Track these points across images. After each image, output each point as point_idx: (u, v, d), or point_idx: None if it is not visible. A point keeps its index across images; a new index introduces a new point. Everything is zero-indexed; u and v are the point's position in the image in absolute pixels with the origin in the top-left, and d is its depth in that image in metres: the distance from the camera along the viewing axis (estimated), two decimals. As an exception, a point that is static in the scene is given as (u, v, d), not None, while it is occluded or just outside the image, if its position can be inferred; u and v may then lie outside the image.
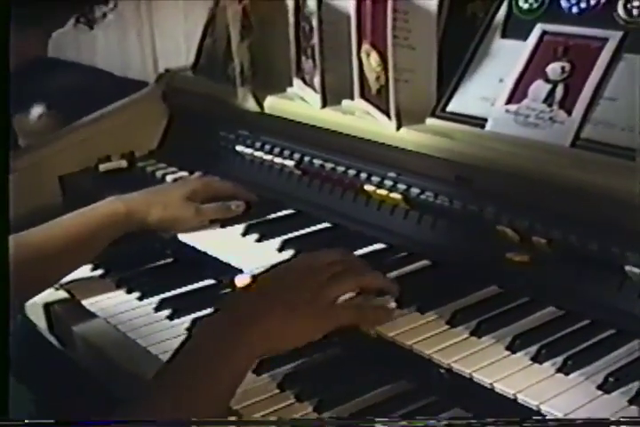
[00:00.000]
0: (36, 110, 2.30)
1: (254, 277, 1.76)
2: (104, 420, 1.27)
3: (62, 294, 1.98)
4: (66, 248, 1.86)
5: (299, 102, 2.11)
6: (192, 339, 1.46)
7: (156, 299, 1.89)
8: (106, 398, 1.76)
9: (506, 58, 1.79)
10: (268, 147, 2.13)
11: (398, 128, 1.83)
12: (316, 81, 2.02)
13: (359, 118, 1.94)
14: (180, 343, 1.45)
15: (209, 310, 1.82)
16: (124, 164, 2.39)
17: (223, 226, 1.97)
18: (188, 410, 1.33)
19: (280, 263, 1.61)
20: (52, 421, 1.23)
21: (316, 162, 2.00)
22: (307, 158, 2.03)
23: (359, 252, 1.79)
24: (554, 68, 1.69)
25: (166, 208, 1.95)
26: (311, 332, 1.48)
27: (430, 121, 1.85)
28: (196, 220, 1.97)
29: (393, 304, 1.57)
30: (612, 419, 1.25)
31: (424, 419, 1.37)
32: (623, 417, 1.25)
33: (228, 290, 1.89)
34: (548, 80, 1.69)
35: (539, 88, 1.70)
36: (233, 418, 1.45)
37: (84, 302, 1.92)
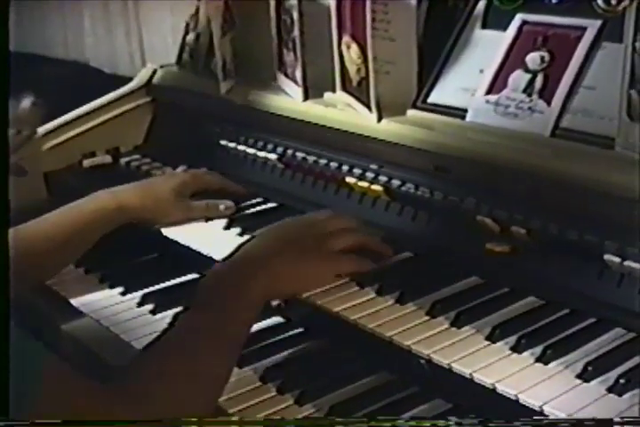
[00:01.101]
0: (27, 100, 2.29)
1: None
2: (104, 420, 1.27)
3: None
4: (56, 244, 1.85)
5: (281, 96, 2.11)
6: (202, 284, 1.52)
7: (139, 294, 1.89)
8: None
9: (486, 48, 1.79)
10: (251, 140, 2.14)
11: (379, 120, 1.83)
12: (298, 74, 2.02)
13: (341, 111, 1.95)
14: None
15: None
16: (108, 159, 2.39)
17: (207, 220, 1.96)
18: (196, 362, 1.38)
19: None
20: (54, 421, 1.23)
21: (299, 155, 2.00)
22: (289, 151, 2.03)
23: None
24: (533, 58, 1.69)
25: (157, 203, 1.95)
26: (318, 275, 1.58)
27: (411, 112, 1.85)
28: (186, 216, 1.97)
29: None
30: (617, 420, 1.24)
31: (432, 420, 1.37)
32: (623, 417, 1.24)
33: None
34: (527, 70, 1.69)
35: (518, 78, 1.70)
36: (235, 418, 1.45)
37: (69, 299, 1.92)
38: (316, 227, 1.63)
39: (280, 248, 1.57)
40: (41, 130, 2.39)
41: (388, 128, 1.83)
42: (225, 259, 1.59)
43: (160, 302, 1.84)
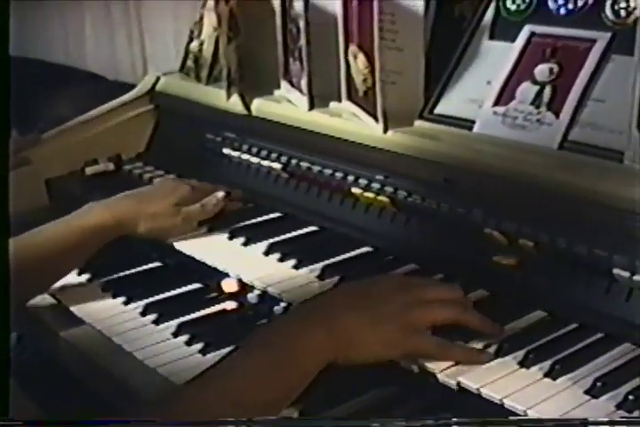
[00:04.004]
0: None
1: (241, 282, 1.75)
2: (104, 420, 1.26)
3: (49, 300, 1.95)
4: (51, 258, 1.84)
5: (286, 105, 2.10)
6: (262, 334, 1.39)
7: (141, 303, 1.88)
8: (92, 404, 1.74)
9: (493, 59, 1.78)
10: (254, 149, 2.12)
11: (385, 130, 1.82)
12: (304, 83, 2.01)
13: (346, 121, 1.93)
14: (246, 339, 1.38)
15: (196, 315, 1.82)
16: (110, 167, 2.37)
17: (210, 230, 1.95)
18: (244, 410, 1.26)
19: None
20: (53, 421, 1.22)
21: (303, 165, 1.99)
22: (294, 161, 2.02)
23: (346, 255, 1.78)
24: (542, 70, 1.68)
25: (155, 219, 1.92)
26: (390, 348, 1.39)
27: (418, 123, 1.84)
28: (184, 227, 1.94)
29: (490, 349, 1.42)
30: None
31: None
32: (623, 417, 1.24)
33: (214, 294, 1.88)
34: (535, 82, 1.68)
35: (526, 90, 1.69)
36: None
37: (71, 307, 1.90)
38: (406, 293, 1.43)
39: (358, 310, 1.38)
40: (44, 136, 2.38)
41: (395, 139, 1.81)
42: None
43: (163, 311, 1.82)
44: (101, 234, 1.88)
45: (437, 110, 1.82)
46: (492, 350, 1.41)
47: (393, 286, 1.46)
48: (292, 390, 1.35)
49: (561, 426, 1.23)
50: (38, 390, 1.86)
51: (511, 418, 1.28)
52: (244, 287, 1.81)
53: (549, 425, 1.24)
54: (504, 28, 1.80)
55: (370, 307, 1.40)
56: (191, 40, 2.44)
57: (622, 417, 1.25)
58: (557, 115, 1.63)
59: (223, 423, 1.30)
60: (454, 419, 1.26)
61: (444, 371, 1.38)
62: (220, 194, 1.98)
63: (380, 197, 1.80)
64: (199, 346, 1.70)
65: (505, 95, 1.72)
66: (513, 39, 1.75)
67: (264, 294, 1.74)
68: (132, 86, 2.58)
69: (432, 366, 1.39)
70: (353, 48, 1.84)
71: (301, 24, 1.96)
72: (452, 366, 1.39)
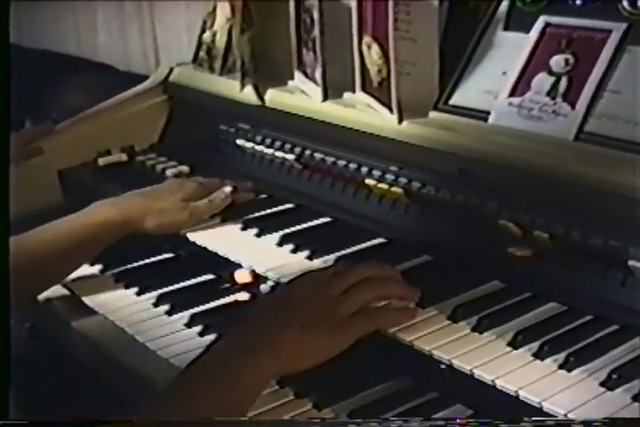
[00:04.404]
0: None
1: (254, 273, 1.75)
2: (104, 420, 1.26)
3: (61, 290, 1.96)
4: (59, 255, 1.83)
5: (300, 95, 2.10)
6: (202, 363, 1.39)
7: (154, 294, 1.88)
8: (105, 395, 1.74)
9: (508, 50, 1.78)
10: (268, 140, 2.12)
11: (400, 121, 1.82)
12: (317, 74, 2.00)
13: (360, 111, 1.93)
14: (188, 365, 1.40)
15: (208, 306, 1.82)
16: (124, 157, 2.37)
17: (223, 221, 1.95)
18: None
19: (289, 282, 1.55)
20: (53, 421, 1.22)
21: (317, 156, 1.98)
22: (307, 152, 2.01)
23: (360, 246, 1.78)
24: (557, 61, 1.67)
25: (162, 215, 1.90)
26: (330, 348, 1.41)
27: (433, 114, 1.83)
28: (192, 222, 1.93)
29: (411, 305, 1.52)
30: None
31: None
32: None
33: (226, 285, 1.88)
34: (551, 73, 1.68)
35: (542, 81, 1.68)
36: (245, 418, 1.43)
37: (83, 298, 1.91)
38: (324, 289, 1.45)
39: (286, 322, 1.41)
40: (57, 127, 2.38)
41: (409, 130, 1.81)
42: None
43: (176, 302, 1.82)
44: (108, 231, 1.87)
45: (452, 101, 1.82)
46: (506, 341, 1.40)
47: (308, 286, 1.47)
48: (242, 406, 1.38)
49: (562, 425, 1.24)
50: (49, 381, 1.87)
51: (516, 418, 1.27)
52: (257, 278, 1.81)
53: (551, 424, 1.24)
54: (519, 19, 1.79)
55: (295, 316, 1.41)
56: (204, 31, 2.43)
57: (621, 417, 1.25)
58: (573, 106, 1.63)
59: (223, 423, 1.31)
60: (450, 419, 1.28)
61: (456, 359, 1.38)
62: (228, 189, 1.98)
63: (394, 189, 1.79)
64: (212, 337, 1.70)
65: (520, 86, 1.71)
66: (528, 30, 1.75)
67: (277, 285, 1.73)
68: (145, 77, 2.58)
69: (444, 355, 1.39)
70: (367, 39, 1.84)
71: (315, 14, 1.96)
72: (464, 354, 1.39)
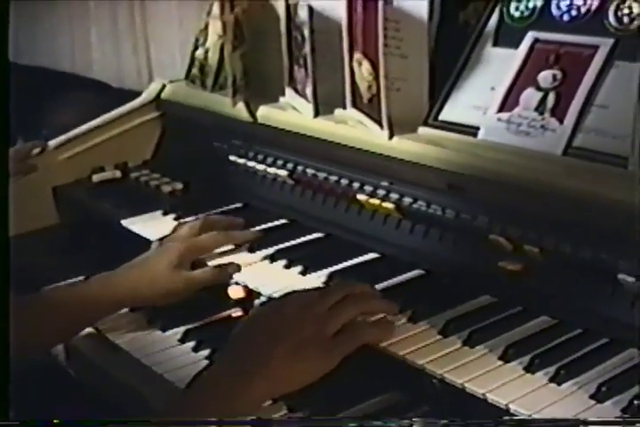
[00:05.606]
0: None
1: (248, 289, 1.75)
2: (103, 420, 1.26)
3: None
4: (61, 321, 1.74)
5: (291, 112, 2.11)
6: (194, 391, 1.40)
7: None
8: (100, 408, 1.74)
9: (497, 66, 1.79)
10: (260, 156, 2.13)
11: (390, 137, 1.83)
12: (309, 90, 2.01)
13: (351, 128, 1.94)
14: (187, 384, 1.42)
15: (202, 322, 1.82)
16: (117, 174, 2.39)
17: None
18: None
19: (268, 303, 1.57)
20: (52, 421, 1.22)
21: (309, 171, 2.00)
22: (299, 168, 2.02)
23: (352, 261, 1.79)
24: (545, 76, 1.69)
25: (154, 284, 1.78)
26: (322, 367, 1.43)
27: (422, 130, 1.84)
28: (190, 290, 1.80)
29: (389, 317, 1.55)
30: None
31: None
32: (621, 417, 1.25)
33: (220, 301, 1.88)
34: (539, 88, 1.69)
35: (530, 96, 1.70)
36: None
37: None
38: (310, 309, 1.46)
39: (276, 345, 1.41)
40: (51, 144, 2.39)
41: (400, 145, 1.82)
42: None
43: (170, 318, 1.82)
44: (104, 307, 1.78)
45: (442, 117, 1.83)
46: (497, 355, 1.42)
47: (294, 307, 1.47)
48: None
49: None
50: (43, 394, 1.86)
51: (506, 418, 1.28)
52: (251, 294, 1.81)
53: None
54: (508, 35, 1.80)
55: (285, 338, 1.42)
56: (196, 48, 2.45)
57: (619, 417, 1.26)
58: (561, 121, 1.64)
59: (222, 423, 1.31)
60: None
61: (448, 373, 1.39)
62: (238, 265, 1.83)
63: (386, 204, 1.80)
64: (206, 352, 1.71)
65: (509, 102, 1.72)
66: (516, 46, 1.76)
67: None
68: (138, 94, 2.59)
69: (436, 369, 1.40)
70: (358, 55, 1.85)
71: (306, 32, 1.97)
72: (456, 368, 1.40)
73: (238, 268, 1.82)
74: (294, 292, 1.56)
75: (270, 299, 1.67)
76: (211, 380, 1.41)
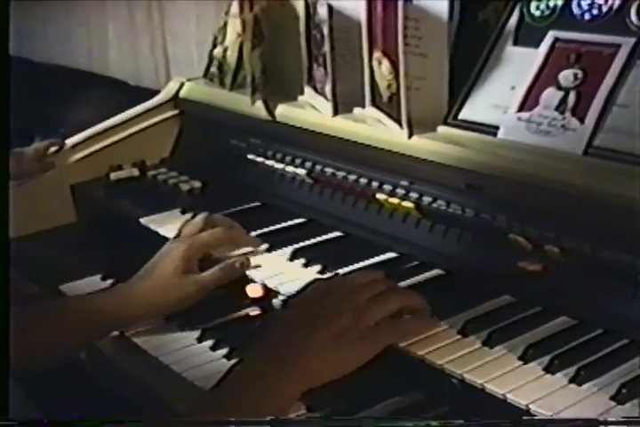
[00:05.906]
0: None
1: (266, 288, 1.75)
2: (103, 420, 1.26)
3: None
4: (76, 331, 1.72)
5: (310, 110, 2.11)
6: (229, 384, 1.39)
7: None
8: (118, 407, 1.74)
9: (517, 65, 1.78)
10: (279, 155, 2.13)
11: (410, 136, 1.83)
12: (328, 89, 2.01)
13: (371, 126, 1.94)
14: (217, 383, 1.42)
15: (220, 320, 1.82)
16: (135, 172, 2.39)
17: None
18: None
19: (310, 286, 1.54)
20: (52, 421, 1.22)
21: (328, 170, 1.99)
22: (318, 167, 2.02)
23: (371, 261, 1.79)
24: (566, 76, 1.68)
25: (166, 296, 1.75)
26: (358, 358, 1.42)
27: (442, 129, 1.84)
28: (202, 292, 1.78)
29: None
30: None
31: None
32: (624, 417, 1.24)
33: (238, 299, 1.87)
34: (560, 87, 1.68)
35: (551, 95, 1.69)
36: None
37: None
38: (349, 300, 1.45)
39: (314, 334, 1.40)
40: (69, 142, 2.40)
41: (419, 144, 1.82)
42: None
43: (188, 317, 1.81)
44: (116, 321, 1.76)
45: (461, 116, 1.83)
46: (516, 355, 1.41)
47: (334, 295, 1.47)
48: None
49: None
50: (62, 392, 1.87)
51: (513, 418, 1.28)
52: (269, 293, 1.81)
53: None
54: (528, 34, 1.80)
55: (322, 327, 1.41)
56: (215, 46, 2.45)
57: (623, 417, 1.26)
58: (582, 120, 1.63)
59: (223, 423, 1.31)
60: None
61: (468, 373, 1.39)
62: (245, 258, 1.83)
63: (405, 203, 1.80)
64: (224, 351, 1.71)
65: (529, 101, 1.72)
66: (537, 45, 1.75)
67: (289, 300, 1.74)
68: (155, 92, 2.60)
69: (456, 369, 1.40)
70: (377, 54, 1.85)
71: (325, 30, 1.97)
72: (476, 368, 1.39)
73: (247, 261, 1.81)
74: (328, 279, 1.57)
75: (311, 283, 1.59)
76: (244, 373, 1.40)
